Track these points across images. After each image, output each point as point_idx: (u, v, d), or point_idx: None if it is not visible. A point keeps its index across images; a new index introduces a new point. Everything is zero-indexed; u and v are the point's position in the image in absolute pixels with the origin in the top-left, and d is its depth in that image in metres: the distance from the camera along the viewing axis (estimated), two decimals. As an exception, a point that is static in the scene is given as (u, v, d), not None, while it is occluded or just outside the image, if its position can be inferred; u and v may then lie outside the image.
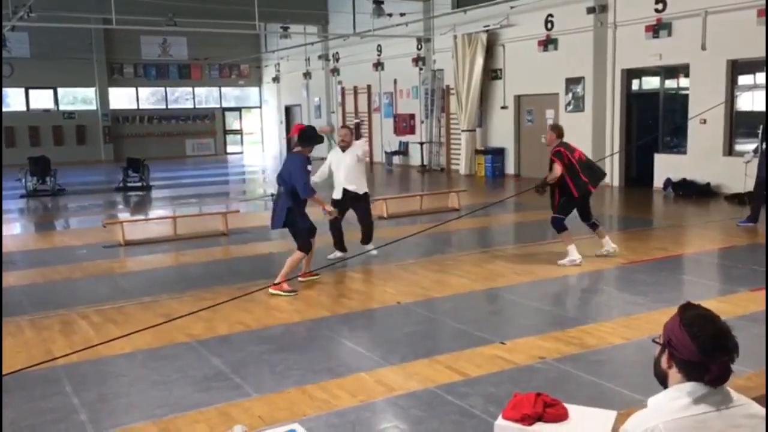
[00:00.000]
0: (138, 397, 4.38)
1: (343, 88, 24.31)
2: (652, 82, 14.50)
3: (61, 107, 26.67)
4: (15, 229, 12.05)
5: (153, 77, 27.94)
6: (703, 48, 12.44)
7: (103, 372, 4.81)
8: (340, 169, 7.87)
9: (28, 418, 4.08)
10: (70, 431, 3.88)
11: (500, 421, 2.89)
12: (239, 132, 30.79)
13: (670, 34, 12.99)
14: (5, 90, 25.73)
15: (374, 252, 7.94)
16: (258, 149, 30.85)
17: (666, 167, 13.47)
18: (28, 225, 12.57)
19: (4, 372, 4.62)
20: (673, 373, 1.94)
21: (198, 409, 4.13)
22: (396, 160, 21.12)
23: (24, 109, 26.01)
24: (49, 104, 26.46)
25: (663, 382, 1.99)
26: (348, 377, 4.56)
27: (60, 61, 25.11)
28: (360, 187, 7.90)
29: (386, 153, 21.26)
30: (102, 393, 4.43)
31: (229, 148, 30.06)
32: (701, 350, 1.86)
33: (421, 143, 19.77)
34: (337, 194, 7.92)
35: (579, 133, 15.05)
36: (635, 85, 14.57)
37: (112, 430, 3.88)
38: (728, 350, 1.87)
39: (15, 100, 26.03)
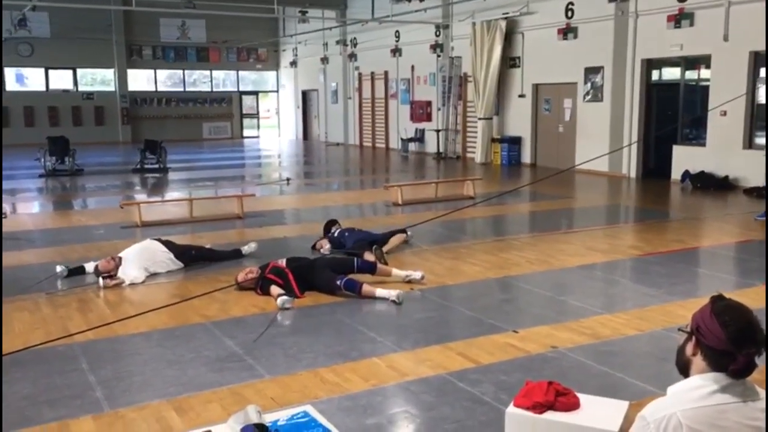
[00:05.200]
0: (152, 375, 4.44)
1: (360, 74, 24.26)
2: (672, 73, 14.33)
3: (80, 88, 26.83)
4: (34, 207, 12.18)
5: (171, 59, 28.01)
6: (725, 39, 12.27)
7: (118, 350, 4.88)
8: None
9: (46, 393, 4.14)
10: (87, 407, 3.94)
11: (511, 409, 2.90)
12: (256, 116, 30.83)
13: (692, 24, 12.82)
14: (26, 69, 25.92)
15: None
16: (274, 133, 30.89)
17: (684, 159, 13.35)
18: (47, 204, 12.70)
19: (22, 347, 4.70)
20: (697, 361, 1.93)
21: (211, 388, 4.17)
22: (412, 147, 21.08)
23: (44, 89, 26.19)
24: (69, 85, 26.63)
25: (684, 370, 1.97)
26: (360, 361, 4.58)
27: (80, 42, 25.23)
28: None
29: (402, 140, 21.22)
30: (117, 371, 4.49)
31: (246, 132, 30.13)
32: (730, 339, 1.85)
33: (437, 130, 19.70)
34: None
35: (597, 124, 14.98)
36: (655, 75, 14.41)
37: (127, 408, 3.93)
38: (756, 342, 1.86)
39: (35, 80, 26.21)
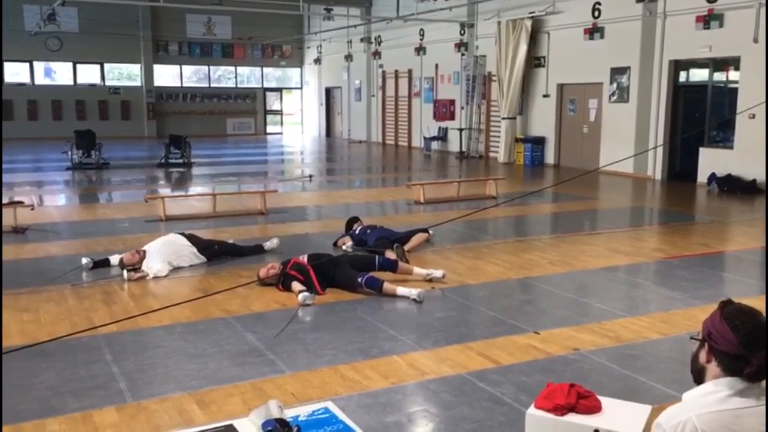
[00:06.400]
0: (175, 368, 4.48)
1: (384, 72, 24.26)
2: (700, 74, 14.14)
3: (107, 82, 27.15)
4: (60, 200, 12.36)
5: (197, 55, 28.23)
6: (755, 41, 12.08)
7: (141, 342, 4.93)
8: None
9: (70, 383, 4.21)
10: (110, 398, 3.99)
11: (532, 410, 2.88)
12: (279, 112, 30.98)
13: (721, 26, 12.65)
14: (54, 63, 26.28)
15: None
16: (297, 130, 31.01)
17: (711, 162, 13.17)
18: (73, 197, 12.88)
19: (48, 337, 4.78)
20: (712, 368, 1.92)
21: (233, 383, 4.21)
22: (434, 145, 21.05)
23: (71, 83, 26.53)
24: (96, 79, 26.95)
25: (699, 378, 1.97)
26: (380, 359, 4.59)
27: (107, 37, 25.53)
28: None
29: (425, 138, 21.19)
30: (140, 363, 4.54)
31: (269, 128, 30.28)
32: (742, 342, 1.84)
33: (461, 129, 19.65)
34: None
35: (622, 125, 14.84)
36: (682, 76, 14.23)
37: (150, 399, 3.98)
38: None
39: (63, 74, 26.56)
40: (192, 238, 7.34)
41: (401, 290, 5.94)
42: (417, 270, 6.56)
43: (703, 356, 1.94)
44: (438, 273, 6.49)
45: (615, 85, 15.09)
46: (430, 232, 8.14)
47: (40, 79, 26.25)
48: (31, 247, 8.08)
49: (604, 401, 2.88)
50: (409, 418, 3.81)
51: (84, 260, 6.97)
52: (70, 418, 3.76)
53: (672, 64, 13.91)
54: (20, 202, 9.53)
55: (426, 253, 7.66)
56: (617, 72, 14.97)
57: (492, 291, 6.34)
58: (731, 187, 12.37)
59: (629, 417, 2.77)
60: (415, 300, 5.83)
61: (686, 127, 14.08)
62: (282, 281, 6.15)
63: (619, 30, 14.76)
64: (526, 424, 2.95)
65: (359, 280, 6.03)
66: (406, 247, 7.46)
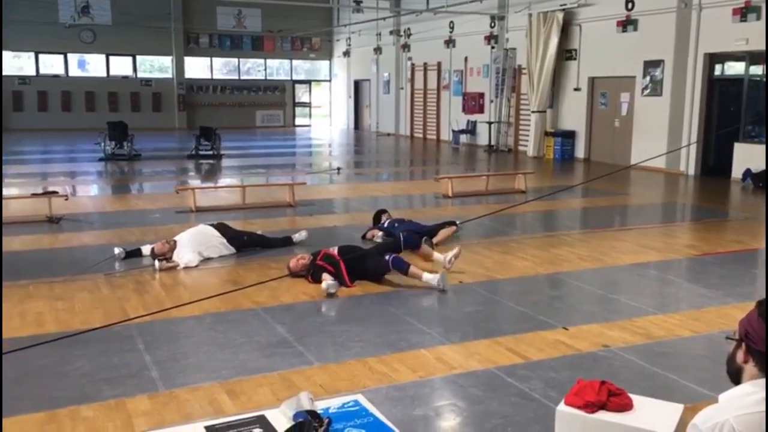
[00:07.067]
0: (205, 358, 4.54)
1: (413, 65, 24.19)
2: (736, 68, 13.86)
3: (139, 74, 27.48)
4: (93, 190, 12.57)
5: (227, 48, 28.43)
6: (795, 33, 11.81)
7: (173, 332, 5.00)
8: None
9: (104, 371, 4.28)
10: (143, 386, 4.06)
11: (562, 407, 2.87)
12: (308, 105, 31.08)
13: (758, 18, 12.37)
14: (88, 55, 26.66)
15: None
16: (326, 123, 31.09)
17: (746, 157, 12.91)
18: (105, 187, 13.08)
19: (82, 326, 4.87)
20: (749, 368, 1.88)
21: (262, 373, 4.25)
22: (463, 138, 20.95)
23: (104, 75, 26.90)
24: (128, 71, 27.29)
25: (736, 379, 1.93)
26: (408, 352, 4.60)
27: (139, 30, 25.83)
28: None
29: (453, 132, 21.10)
30: (172, 352, 4.61)
31: (298, 121, 30.40)
32: None
33: (490, 123, 19.52)
34: None
35: (655, 119, 14.61)
36: (717, 70, 13.96)
37: (181, 388, 4.03)
38: None
39: (96, 66, 26.95)
40: (222, 228, 7.41)
41: (426, 276, 6.02)
42: (437, 255, 6.70)
43: (740, 356, 1.91)
44: (451, 253, 6.60)
45: (648, 78, 14.85)
46: (458, 224, 8.13)
47: (74, 71, 26.65)
48: (65, 236, 8.24)
49: (636, 399, 2.85)
50: (436, 411, 3.81)
51: (117, 250, 7.08)
52: (103, 405, 3.83)
53: (707, 58, 13.65)
54: (55, 192, 9.71)
55: (454, 247, 7.62)
56: (650, 65, 14.73)
57: (520, 286, 6.30)
58: (767, 183, 12.12)
59: (661, 416, 2.74)
60: (439, 289, 5.85)
61: (721, 121, 13.81)
62: (312, 272, 6.18)
63: (653, 22, 14.52)
64: (556, 421, 2.93)
65: (387, 259, 6.14)
66: (435, 240, 7.47)
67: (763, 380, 1.85)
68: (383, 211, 8.33)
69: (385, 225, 8.00)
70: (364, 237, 7.97)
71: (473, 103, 20.67)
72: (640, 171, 14.19)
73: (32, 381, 4.13)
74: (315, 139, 24.87)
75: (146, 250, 7.09)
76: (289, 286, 6.09)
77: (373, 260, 6.24)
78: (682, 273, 6.97)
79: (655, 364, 4.43)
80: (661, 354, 4.61)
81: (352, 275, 6.13)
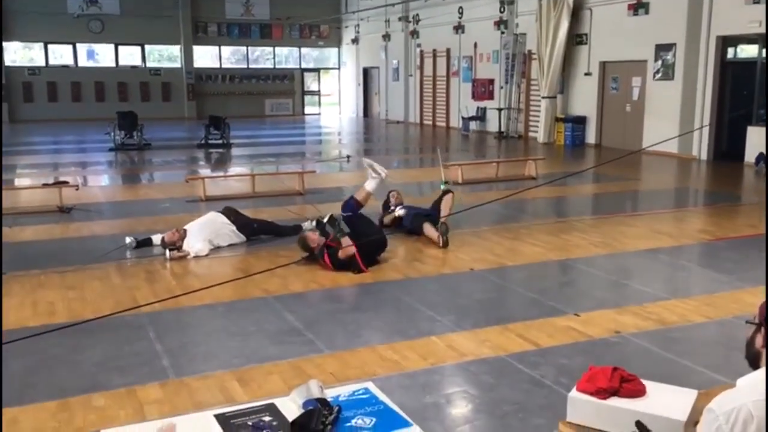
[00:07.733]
0: (216, 346, 4.55)
1: (421, 51, 24.05)
2: (749, 51, 13.68)
3: (148, 64, 27.48)
4: (103, 180, 12.61)
5: (235, 36, 28.35)
6: (810, 15, 11.63)
7: (183, 321, 5.01)
8: None
9: (115, 360, 4.30)
10: (154, 375, 4.07)
11: (574, 393, 2.84)
12: (317, 93, 31.00)
13: (772, -1, 12.19)
14: (97, 45, 26.68)
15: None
16: (335, 110, 31.02)
17: (759, 141, 12.76)
18: (116, 177, 13.12)
19: (93, 315, 4.89)
20: None
21: (272, 361, 4.25)
22: (473, 125, 20.84)
23: (113, 65, 26.93)
24: (137, 61, 27.30)
25: (755, 363, 1.90)
26: (419, 340, 4.59)
27: (148, 19, 25.81)
28: None
29: (463, 118, 20.99)
30: (183, 340, 4.62)
31: (307, 109, 30.34)
32: None
33: (499, 109, 19.40)
34: None
35: (667, 103, 14.46)
36: (730, 53, 13.79)
37: (192, 376, 4.04)
38: None
39: (105, 56, 26.97)
40: (232, 214, 7.41)
41: (368, 183, 6.95)
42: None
43: (759, 341, 1.88)
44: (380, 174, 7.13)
45: (660, 62, 14.70)
46: (449, 186, 8.05)
47: (83, 61, 26.69)
48: (76, 226, 8.27)
49: (649, 385, 2.82)
50: (448, 399, 3.80)
51: (127, 239, 7.10)
52: (115, 393, 3.84)
53: (720, 40, 13.47)
54: (65, 182, 9.75)
55: (464, 234, 7.60)
56: (662, 49, 14.57)
57: (531, 272, 6.27)
58: (780, 167, 11.99)
59: (674, 401, 2.70)
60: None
61: (734, 105, 13.67)
62: (329, 255, 6.15)
63: (664, 5, 14.34)
64: (568, 407, 2.91)
65: (349, 214, 6.61)
66: (442, 216, 7.35)
67: None
68: (389, 192, 8.20)
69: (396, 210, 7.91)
70: (382, 224, 7.83)
71: (483, 89, 20.54)
72: (652, 156, 14.07)
73: (45, 370, 4.16)
74: (324, 128, 24.82)
75: (156, 239, 7.11)
76: (299, 274, 6.09)
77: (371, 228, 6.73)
78: (695, 258, 6.91)
79: (668, 350, 4.40)
80: (674, 340, 4.58)
81: (366, 261, 6.15)
